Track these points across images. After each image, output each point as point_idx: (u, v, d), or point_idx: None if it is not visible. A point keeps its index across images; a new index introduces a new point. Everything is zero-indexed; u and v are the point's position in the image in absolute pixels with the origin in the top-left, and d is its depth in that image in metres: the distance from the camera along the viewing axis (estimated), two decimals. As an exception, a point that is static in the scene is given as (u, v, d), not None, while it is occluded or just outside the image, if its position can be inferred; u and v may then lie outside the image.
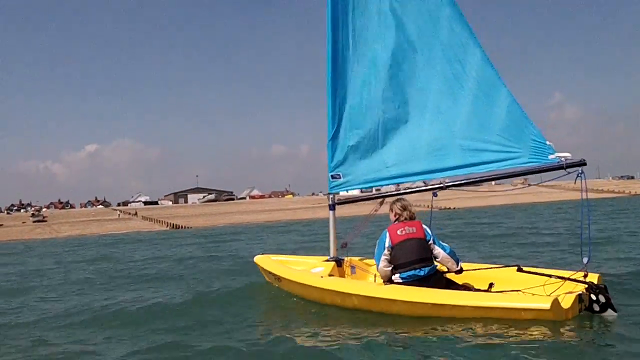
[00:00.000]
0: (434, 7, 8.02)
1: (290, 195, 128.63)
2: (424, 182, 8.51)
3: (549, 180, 7.57)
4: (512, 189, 75.41)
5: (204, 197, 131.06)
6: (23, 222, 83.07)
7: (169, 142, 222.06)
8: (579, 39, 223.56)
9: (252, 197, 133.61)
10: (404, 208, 7.45)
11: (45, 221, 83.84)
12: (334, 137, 8.97)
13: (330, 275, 8.37)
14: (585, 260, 6.49)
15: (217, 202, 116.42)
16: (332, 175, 9.03)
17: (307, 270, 8.75)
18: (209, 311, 8.36)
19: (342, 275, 8.73)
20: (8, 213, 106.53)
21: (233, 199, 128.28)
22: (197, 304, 8.99)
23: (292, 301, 8.40)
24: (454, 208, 73.71)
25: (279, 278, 8.91)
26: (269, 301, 9.08)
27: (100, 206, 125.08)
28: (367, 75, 8.65)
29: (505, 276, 7.27)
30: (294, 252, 15.44)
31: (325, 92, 9.01)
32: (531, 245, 16.11)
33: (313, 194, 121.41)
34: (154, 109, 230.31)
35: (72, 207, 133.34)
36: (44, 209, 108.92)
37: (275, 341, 6.32)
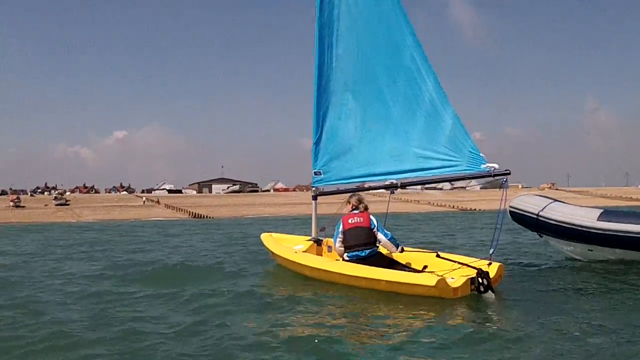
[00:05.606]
0: (399, 37, 9.70)
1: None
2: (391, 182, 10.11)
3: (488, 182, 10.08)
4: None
5: (228, 187, 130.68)
6: (45, 205, 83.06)
7: (195, 132, 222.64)
8: (613, 41, 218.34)
9: (277, 190, 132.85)
10: (359, 201, 9.35)
11: (68, 204, 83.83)
12: (317, 142, 10.86)
13: (307, 252, 10.27)
14: (491, 251, 8.01)
15: (241, 194, 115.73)
16: (314, 172, 10.92)
17: (291, 247, 10.58)
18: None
19: (320, 252, 10.56)
20: (32, 195, 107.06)
21: (257, 191, 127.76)
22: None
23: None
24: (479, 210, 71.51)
25: (270, 252, 10.99)
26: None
27: (124, 192, 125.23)
28: (343, 93, 10.48)
29: (439, 260, 8.70)
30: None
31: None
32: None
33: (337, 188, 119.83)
34: (183, 98, 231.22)
35: (97, 192, 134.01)
36: (68, 193, 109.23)
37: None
